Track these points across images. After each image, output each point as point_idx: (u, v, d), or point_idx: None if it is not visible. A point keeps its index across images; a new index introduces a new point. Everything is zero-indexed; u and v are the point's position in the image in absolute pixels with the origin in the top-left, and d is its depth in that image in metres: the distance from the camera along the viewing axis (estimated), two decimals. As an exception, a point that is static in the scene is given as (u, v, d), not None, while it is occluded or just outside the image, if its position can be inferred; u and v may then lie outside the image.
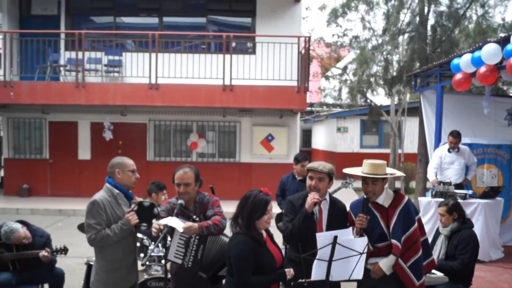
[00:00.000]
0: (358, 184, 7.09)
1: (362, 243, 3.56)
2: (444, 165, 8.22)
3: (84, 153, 14.39)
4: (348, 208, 4.18)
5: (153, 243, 4.87)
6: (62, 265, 5.61)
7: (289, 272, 3.55)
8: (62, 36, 13.83)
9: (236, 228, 3.55)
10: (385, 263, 3.88)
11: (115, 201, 3.97)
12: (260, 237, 3.54)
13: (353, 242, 3.54)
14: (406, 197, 4.02)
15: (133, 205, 3.98)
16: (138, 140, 14.39)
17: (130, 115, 14.03)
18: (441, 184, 7.65)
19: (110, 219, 3.88)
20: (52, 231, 9.55)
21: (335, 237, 3.44)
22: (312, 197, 3.84)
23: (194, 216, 3.98)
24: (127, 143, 14.30)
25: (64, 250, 5.26)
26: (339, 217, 4.06)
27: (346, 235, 3.54)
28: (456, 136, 8.05)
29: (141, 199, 4.29)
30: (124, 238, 3.92)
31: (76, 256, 5.49)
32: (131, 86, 12.73)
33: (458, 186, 7.90)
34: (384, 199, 3.96)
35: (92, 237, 3.81)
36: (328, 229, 3.86)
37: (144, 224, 3.96)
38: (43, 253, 5.14)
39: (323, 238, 3.48)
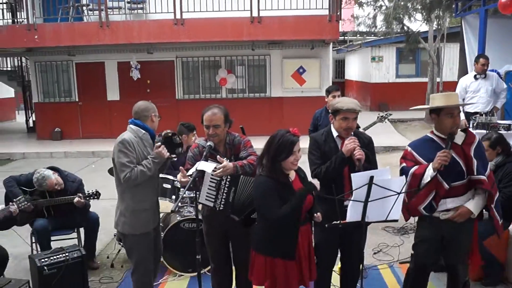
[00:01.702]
0: (397, 116, 6.68)
1: (400, 182, 3.39)
2: (469, 94, 7.73)
3: (113, 93, 14.28)
4: (408, 148, 3.88)
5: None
6: (96, 207, 5.62)
7: (319, 216, 3.48)
8: (83, -27, 13.35)
9: (260, 169, 3.45)
10: (476, 204, 3.62)
11: (141, 142, 3.99)
12: (286, 179, 3.40)
13: (390, 181, 3.37)
14: (477, 137, 3.72)
15: (157, 138, 4.10)
16: (166, 78, 14.16)
17: (156, 53, 13.71)
18: (483, 115, 7.16)
19: (139, 158, 3.90)
20: (86, 173, 9.67)
21: (371, 177, 3.28)
22: (352, 142, 3.67)
23: (225, 158, 3.80)
24: (155, 81, 14.11)
25: (97, 195, 5.26)
26: (364, 149, 3.80)
27: (382, 174, 3.38)
28: (486, 58, 7.56)
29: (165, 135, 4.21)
30: (150, 179, 3.96)
31: (110, 198, 5.45)
32: (156, 23, 12.32)
33: (487, 114, 7.40)
34: (457, 136, 3.63)
35: (127, 175, 3.80)
36: (352, 167, 3.67)
37: (174, 156, 4.12)
38: (76, 198, 5.17)
39: (358, 178, 3.32)
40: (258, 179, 3.40)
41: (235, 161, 3.87)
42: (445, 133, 3.62)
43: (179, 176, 3.82)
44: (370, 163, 3.83)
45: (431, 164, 3.51)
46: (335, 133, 3.87)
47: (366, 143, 3.91)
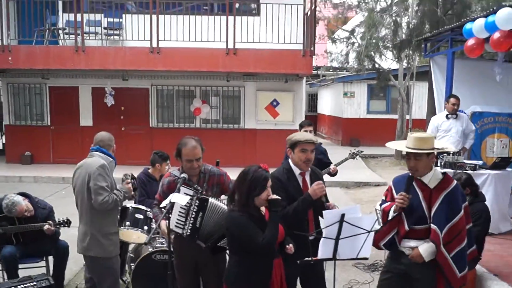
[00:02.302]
0: (368, 152, 6.83)
1: (370, 220, 3.47)
2: (440, 133, 7.94)
3: (86, 119, 14.19)
4: (391, 182, 3.94)
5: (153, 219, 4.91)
6: (66, 235, 5.51)
7: (290, 248, 3.50)
8: (60, -4, 13.40)
9: (231, 204, 3.47)
10: (427, 249, 3.56)
11: (108, 168, 4.24)
12: (258, 213, 3.44)
13: (361, 219, 3.45)
14: (455, 182, 3.68)
15: (128, 177, 4.49)
16: (140, 105, 14.16)
17: (131, 79, 13.75)
18: (451, 154, 7.37)
19: (112, 183, 4.18)
20: (56, 199, 9.52)
21: (343, 215, 3.36)
22: (321, 187, 3.73)
23: (196, 186, 3.89)
24: (129, 108, 14.10)
25: (67, 223, 5.20)
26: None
27: (353, 212, 3.45)
28: (457, 98, 7.79)
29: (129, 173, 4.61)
30: None
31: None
32: (132, 50, 12.39)
33: (454, 154, 7.61)
34: (431, 179, 3.62)
35: (105, 199, 4.00)
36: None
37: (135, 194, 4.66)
38: (46, 226, 5.10)
39: (330, 216, 3.40)
40: (232, 214, 3.41)
41: (207, 190, 3.97)
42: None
43: (162, 226, 3.89)
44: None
45: (374, 214, 3.60)
46: (296, 171, 3.91)
47: (320, 177, 4.06)
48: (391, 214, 3.62)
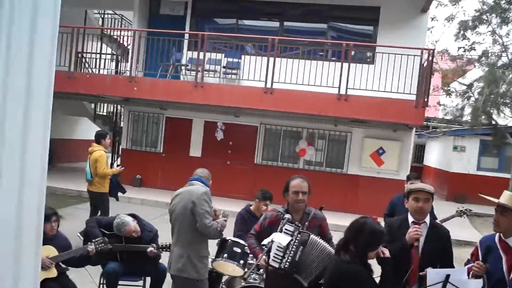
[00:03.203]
0: (474, 210, 6.51)
1: (477, 285, 3.32)
2: None
3: (196, 150, 14.86)
4: (477, 243, 3.82)
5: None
6: (166, 259, 5.71)
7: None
8: (186, 36, 14.35)
9: (345, 255, 3.36)
10: None
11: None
12: (370, 268, 3.39)
13: (467, 283, 3.30)
14: None
15: (220, 212, 4.80)
16: (247, 142, 14.57)
17: (242, 116, 14.24)
18: None
19: (211, 211, 4.45)
20: (159, 222, 9.95)
21: (447, 276, 3.24)
22: (415, 231, 3.70)
23: (297, 223, 4.03)
24: (237, 144, 14.56)
25: (169, 248, 5.37)
26: (437, 242, 3.83)
27: (459, 274, 3.33)
28: None
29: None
30: None
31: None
32: (246, 89, 12.89)
33: None
34: None
35: (211, 223, 4.30)
36: (423, 253, 3.70)
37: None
38: (150, 248, 5.37)
39: (434, 275, 3.31)
40: (353, 267, 3.30)
41: (308, 229, 4.05)
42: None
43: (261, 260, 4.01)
44: (447, 256, 3.82)
45: (481, 280, 3.41)
46: (410, 219, 3.90)
47: (442, 236, 3.91)
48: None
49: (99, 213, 8.45)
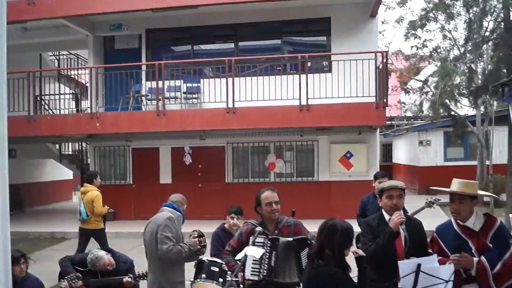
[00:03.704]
0: (446, 200, 6.73)
1: (448, 271, 3.43)
2: None
3: (166, 177, 14.81)
4: (435, 233, 3.99)
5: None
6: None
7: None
8: (143, 67, 14.36)
9: (320, 260, 3.38)
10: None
11: (175, 222, 4.62)
12: (348, 266, 3.42)
13: (439, 269, 3.42)
14: (499, 220, 3.77)
15: (195, 233, 4.79)
16: (216, 163, 14.61)
17: (208, 139, 14.27)
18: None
19: (178, 235, 4.53)
20: (136, 253, 9.86)
21: (419, 265, 3.34)
22: (398, 216, 3.83)
23: (265, 231, 4.16)
24: (206, 166, 14.58)
25: (146, 276, 5.36)
26: (415, 233, 3.99)
27: (430, 262, 3.44)
28: None
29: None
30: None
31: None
32: (209, 111, 12.95)
33: None
34: (474, 222, 3.72)
35: (170, 247, 4.31)
36: (406, 246, 3.86)
37: (201, 251, 4.84)
38: (126, 279, 5.30)
39: (405, 266, 3.41)
40: (330, 270, 3.30)
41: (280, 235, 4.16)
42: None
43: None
44: (424, 246, 3.97)
45: (452, 264, 3.56)
46: (387, 217, 4.02)
47: (417, 228, 4.07)
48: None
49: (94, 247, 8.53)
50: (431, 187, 4.17)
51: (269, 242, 4.03)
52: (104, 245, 8.36)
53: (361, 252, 3.49)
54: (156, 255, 4.46)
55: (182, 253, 4.41)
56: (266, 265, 4.01)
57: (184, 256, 4.45)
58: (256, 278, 4.02)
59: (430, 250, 3.95)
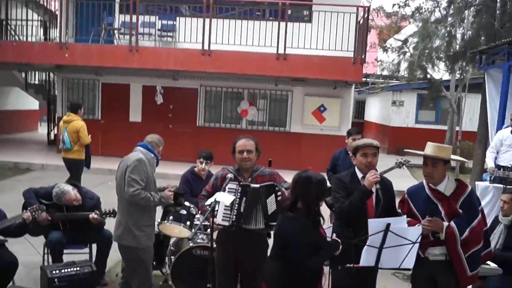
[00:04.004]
0: (414, 161, 6.74)
1: (416, 232, 3.48)
2: (503, 147, 7.66)
3: (135, 115, 14.54)
4: (405, 194, 3.99)
5: (199, 212, 5.07)
6: (110, 225, 5.52)
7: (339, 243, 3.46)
8: (117, -1, 13.76)
9: (290, 212, 3.37)
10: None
11: (149, 164, 4.31)
12: (320, 219, 3.42)
13: (406, 230, 3.46)
14: (469, 187, 3.81)
15: (173, 187, 4.53)
16: (188, 105, 14.38)
17: (181, 80, 13.97)
18: (501, 169, 7.13)
19: (149, 178, 4.23)
20: (103, 190, 9.70)
21: (388, 225, 3.38)
22: (373, 175, 3.81)
23: (241, 179, 4.16)
24: (177, 107, 14.35)
25: (113, 213, 5.30)
26: (386, 193, 4.00)
27: (399, 222, 3.48)
28: None
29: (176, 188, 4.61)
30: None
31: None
32: (183, 52, 12.60)
33: (505, 169, 7.31)
34: (446, 187, 3.74)
35: (137, 191, 4.08)
36: (377, 206, 3.88)
37: (175, 209, 4.75)
38: (92, 215, 5.27)
39: (375, 224, 3.44)
40: (296, 222, 3.29)
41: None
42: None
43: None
44: (394, 205, 4.00)
45: (420, 226, 3.60)
46: (359, 174, 4.01)
47: (388, 187, 4.08)
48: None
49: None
50: (405, 149, 4.13)
51: (239, 188, 4.01)
52: (77, 177, 8.67)
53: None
54: (124, 196, 4.26)
55: (150, 202, 4.18)
56: (236, 211, 4.00)
57: (153, 205, 4.26)
58: (226, 223, 4.02)
59: (399, 210, 3.96)
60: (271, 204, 3.99)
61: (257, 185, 4.03)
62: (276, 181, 4.18)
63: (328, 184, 6.21)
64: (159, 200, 4.25)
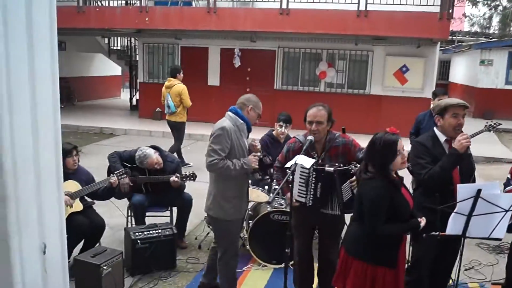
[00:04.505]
0: (504, 126, 6.26)
1: (509, 199, 3.17)
2: None
3: (214, 79, 14.61)
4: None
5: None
6: (190, 189, 5.71)
7: (422, 220, 3.22)
8: (196, -40, 13.70)
9: (366, 174, 3.24)
10: None
11: (238, 131, 4.03)
12: (397, 181, 3.23)
13: (499, 197, 3.16)
14: None
15: (259, 153, 4.21)
16: (266, 67, 14.23)
17: (259, 41, 13.80)
18: None
19: (234, 147, 3.95)
20: (183, 153, 9.98)
21: (479, 191, 3.10)
22: (466, 137, 3.54)
23: (314, 153, 3.98)
24: (255, 70, 14.24)
25: (193, 177, 5.38)
26: (467, 158, 3.72)
27: (491, 188, 3.17)
28: None
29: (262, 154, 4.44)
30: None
31: (203, 181, 5.52)
32: (261, 11, 12.40)
33: None
34: None
35: (214, 161, 3.85)
36: (461, 171, 3.64)
37: (260, 173, 4.47)
38: (173, 178, 5.33)
39: (464, 190, 3.15)
40: (373, 182, 3.19)
41: (329, 159, 3.95)
42: None
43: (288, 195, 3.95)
44: (472, 175, 3.73)
45: None
46: (441, 138, 3.74)
47: (469, 153, 3.78)
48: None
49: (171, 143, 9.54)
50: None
51: (314, 173, 3.83)
52: (180, 139, 9.59)
53: (423, 222, 3.22)
54: None
55: (231, 171, 3.88)
56: (312, 195, 3.86)
57: (234, 174, 3.92)
58: (302, 200, 3.90)
59: (508, 176, 3.65)
60: (347, 190, 3.80)
61: (331, 169, 3.79)
62: (350, 151, 3.97)
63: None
64: (241, 167, 3.92)
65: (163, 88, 9.55)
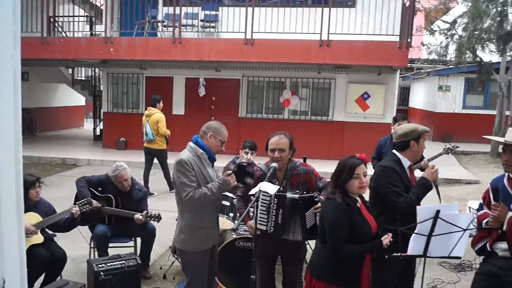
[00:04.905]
0: (461, 148, 6.42)
1: (467, 219, 3.30)
2: None
3: (178, 108, 14.63)
4: (489, 185, 3.72)
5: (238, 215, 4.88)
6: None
7: (387, 237, 3.29)
8: (161, -9, 13.83)
9: (330, 194, 3.37)
10: None
11: (199, 161, 3.90)
12: (354, 203, 3.31)
13: (457, 217, 3.29)
14: None
15: (232, 167, 4.11)
16: (230, 96, 14.36)
17: (224, 70, 13.97)
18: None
19: (197, 177, 3.82)
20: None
21: (438, 211, 3.22)
22: (436, 169, 3.76)
23: (275, 181, 3.98)
24: (220, 99, 14.35)
25: (158, 218, 5.37)
26: None
27: (450, 209, 3.30)
28: None
29: (240, 160, 4.38)
30: None
31: (167, 210, 5.54)
32: (226, 42, 12.55)
33: None
34: None
35: (190, 194, 3.74)
36: None
37: (241, 185, 4.09)
38: (137, 216, 5.32)
39: (424, 211, 3.27)
40: (331, 202, 3.30)
41: (290, 186, 4.01)
42: None
43: (250, 224, 4.02)
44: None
45: (471, 213, 3.45)
46: (406, 163, 3.84)
47: None
48: (483, 224, 3.46)
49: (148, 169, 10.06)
50: (483, 136, 3.89)
51: (275, 200, 3.85)
52: (164, 164, 9.85)
53: (386, 241, 3.29)
54: (177, 197, 3.99)
55: (210, 196, 3.76)
56: (273, 222, 3.88)
57: (213, 198, 3.82)
58: (263, 228, 3.90)
59: (480, 201, 3.76)
60: (310, 217, 3.85)
61: (296, 196, 3.84)
62: (311, 179, 4.05)
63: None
64: (218, 188, 3.81)
65: (143, 117, 10.01)
